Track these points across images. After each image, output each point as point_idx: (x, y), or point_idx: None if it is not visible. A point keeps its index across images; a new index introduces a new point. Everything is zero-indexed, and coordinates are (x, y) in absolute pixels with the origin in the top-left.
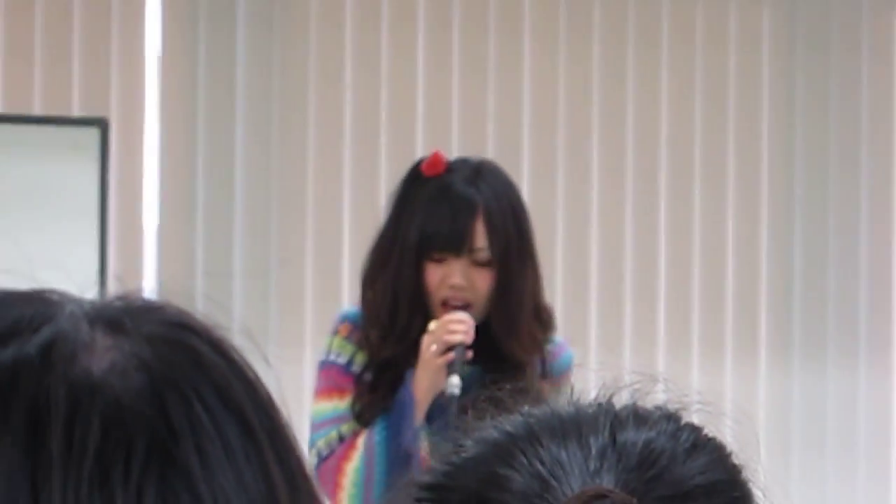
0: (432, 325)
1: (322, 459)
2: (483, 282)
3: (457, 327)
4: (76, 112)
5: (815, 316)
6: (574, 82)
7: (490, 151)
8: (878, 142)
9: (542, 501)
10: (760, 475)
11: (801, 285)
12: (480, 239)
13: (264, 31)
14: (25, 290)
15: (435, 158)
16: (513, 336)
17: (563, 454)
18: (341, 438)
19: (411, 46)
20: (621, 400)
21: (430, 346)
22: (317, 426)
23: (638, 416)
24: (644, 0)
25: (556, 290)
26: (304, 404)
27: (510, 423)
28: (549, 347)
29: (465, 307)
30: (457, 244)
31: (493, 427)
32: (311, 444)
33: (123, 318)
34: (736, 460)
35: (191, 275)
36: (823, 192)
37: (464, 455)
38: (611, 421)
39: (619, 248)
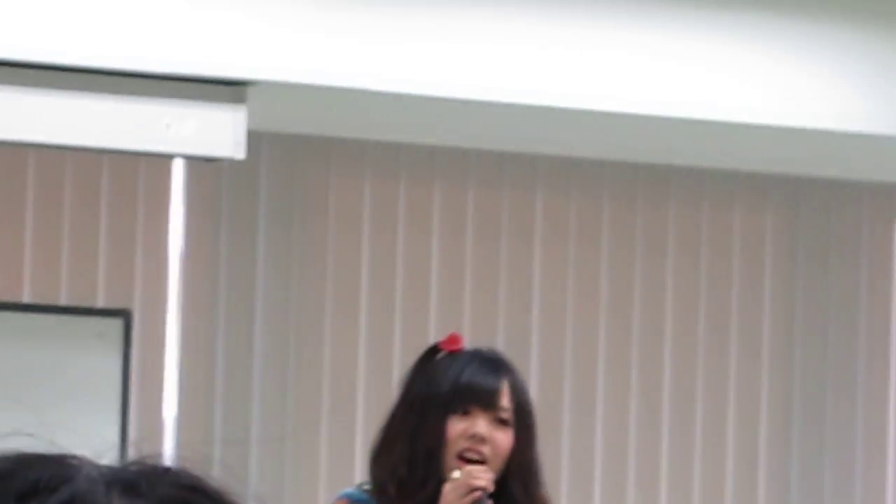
0: (456, 474)
1: None
2: (503, 440)
3: (481, 475)
4: (101, 303)
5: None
6: (583, 281)
7: (499, 341)
8: (876, 349)
9: None
10: None
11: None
12: (506, 399)
13: (284, 228)
14: (46, 453)
15: (453, 336)
16: (529, 499)
17: None
18: None
19: (426, 248)
20: None
21: (452, 490)
22: None
23: None
24: (651, 206)
25: (561, 493)
26: None
27: None
28: None
29: (481, 462)
30: (489, 397)
31: None
32: None
33: (139, 480)
34: None
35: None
36: (822, 393)
37: None
38: None
39: (622, 444)
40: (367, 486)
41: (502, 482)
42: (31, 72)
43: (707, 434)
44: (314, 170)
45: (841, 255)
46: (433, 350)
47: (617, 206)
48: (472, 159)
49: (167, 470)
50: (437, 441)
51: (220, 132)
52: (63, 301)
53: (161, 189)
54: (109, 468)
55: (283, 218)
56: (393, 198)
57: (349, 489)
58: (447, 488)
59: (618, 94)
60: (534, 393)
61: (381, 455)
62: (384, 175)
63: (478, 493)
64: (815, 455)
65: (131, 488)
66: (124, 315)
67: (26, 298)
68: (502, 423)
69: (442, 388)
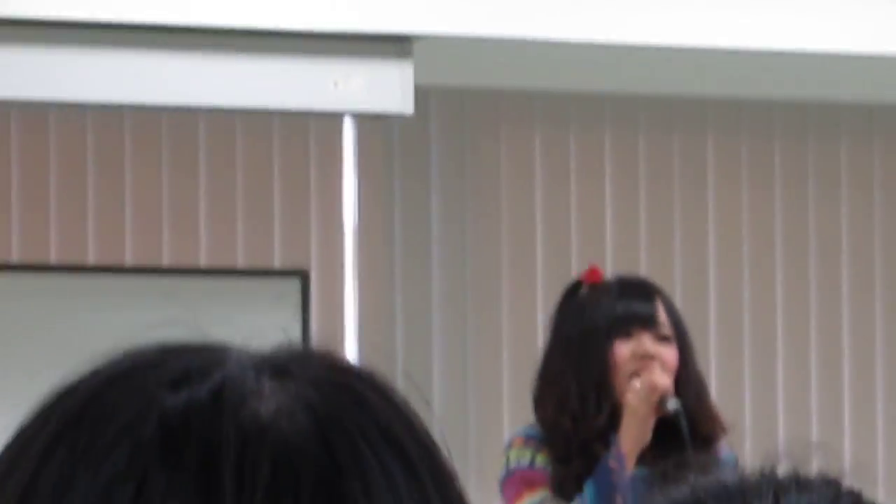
0: (635, 384)
1: None
2: (669, 355)
3: (659, 375)
4: (277, 265)
5: None
6: (757, 228)
7: (677, 292)
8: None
9: None
10: None
11: None
12: (662, 314)
13: (456, 182)
14: (194, 342)
15: (593, 269)
16: (702, 410)
17: None
18: None
19: (599, 195)
20: (784, 468)
21: (635, 396)
22: None
23: (800, 482)
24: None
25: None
26: None
27: (677, 491)
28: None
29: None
30: (648, 317)
31: (661, 496)
32: None
33: (289, 363)
34: None
35: None
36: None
37: None
38: (774, 487)
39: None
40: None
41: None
42: (199, 35)
43: (889, 387)
44: (484, 122)
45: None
46: (575, 286)
47: (789, 148)
48: (641, 104)
49: (317, 352)
50: (605, 367)
51: (387, 88)
52: (240, 264)
53: (332, 148)
54: (259, 353)
55: (455, 172)
56: (564, 147)
57: (522, 427)
58: (630, 398)
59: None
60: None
61: (546, 395)
62: (555, 125)
63: (663, 387)
64: None
65: (282, 371)
66: (301, 276)
67: (203, 262)
68: (664, 339)
69: (600, 318)
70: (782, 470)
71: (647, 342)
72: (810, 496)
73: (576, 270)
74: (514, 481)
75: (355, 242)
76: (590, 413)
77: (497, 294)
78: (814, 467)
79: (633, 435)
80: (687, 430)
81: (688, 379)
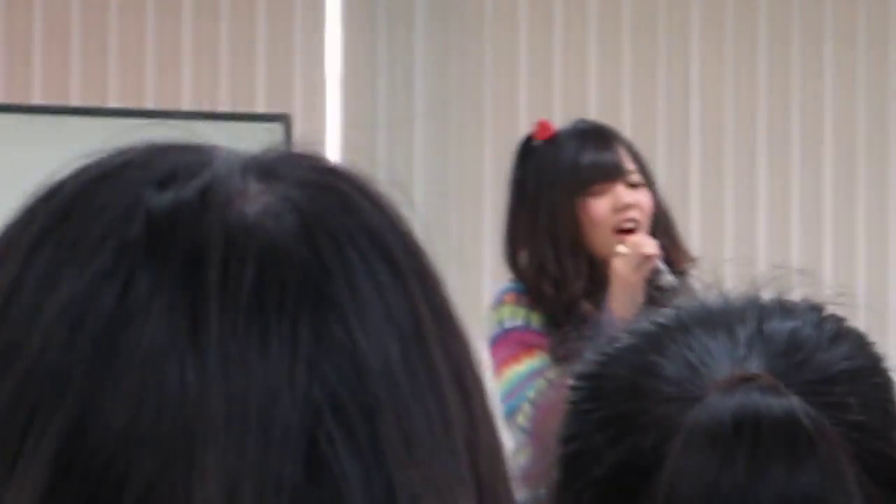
0: (622, 249)
1: (538, 406)
2: (644, 200)
3: (648, 241)
4: (261, 108)
5: None
6: (741, 74)
7: (660, 141)
8: None
9: (693, 387)
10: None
11: None
12: (628, 162)
13: (441, 27)
14: (181, 142)
15: (543, 123)
16: (678, 248)
17: (713, 343)
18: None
19: (582, 39)
20: (768, 294)
21: (625, 264)
22: (515, 389)
23: (784, 307)
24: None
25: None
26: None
27: (662, 315)
28: None
29: (636, 229)
30: (616, 168)
31: (646, 319)
32: (516, 407)
33: (276, 165)
34: (876, 349)
35: None
36: None
37: (617, 346)
38: (758, 312)
39: (785, 237)
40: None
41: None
42: None
43: (870, 223)
44: None
45: None
46: (528, 142)
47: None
48: None
49: (305, 154)
50: (578, 226)
51: None
52: (223, 107)
53: None
54: (247, 155)
55: (441, 16)
56: None
57: (513, 283)
58: (617, 264)
59: None
60: (693, 186)
61: (522, 258)
62: None
63: (653, 261)
64: None
65: (269, 172)
66: (284, 119)
67: (186, 105)
68: (635, 186)
69: (564, 175)
70: (766, 295)
71: (622, 193)
72: (794, 321)
73: (558, 112)
74: (509, 342)
75: (340, 87)
76: (569, 276)
77: (480, 139)
78: (797, 294)
79: (623, 301)
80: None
81: (659, 220)
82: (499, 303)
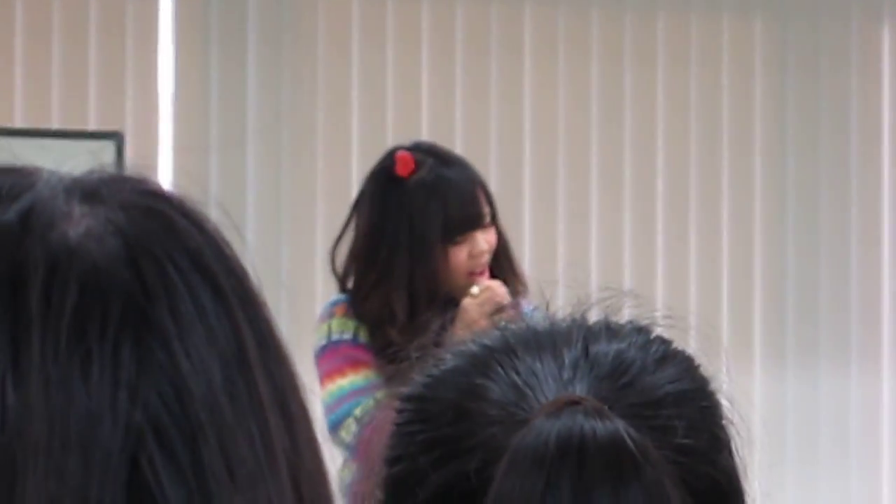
0: (475, 290)
1: (365, 425)
2: (492, 239)
3: (501, 290)
4: (92, 126)
5: (808, 322)
6: (574, 92)
7: (492, 161)
8: (867, 153)
9: (518, 410)
10: (725, 386)
11: (794, 293)
12: (484, 206)
13: (274, 46)
14: (5, 165)
15: (403, 158)
16: (515, 277)
17: (538, 365)
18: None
19: (416, 63)
20: (593, 315)
21: (476, 307)
22: (336, 403)
23: (610, 329)
24: (640, 17)
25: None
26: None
27: (488, 337)
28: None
29: (485, 271)
30: (480, 219)
31: (472, 341)
32: (338, 422)
33: (100, 187)
34: (704, 372)
35: None
36: (815, 201)
37: (443, 367)
38: (584, 334)
39: (618, 251)
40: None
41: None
42: None
43: (702, 247)
44: None
45: (830, 60)
46: (389, 178)
47: (606, 18)
48: None
49: (129, 177)
50: (437, 277)
51: None
52: (55, 125)
53: (149, 8)
54: (70, 176)
55: (273, 33)
56: (382, 10)
57: (336, 296)
58: (468, 304)
59: None
60: (527, 204)
61: (367, 287)
62: None
63: (504, 311)
64: (810, 265)
65: (92, 195)
66: (116, 137)
67: (18, 123)
68: (486, 227)
69: (433, 227)
70: (593, 317)
71: (479, 240)
72: (620, 343)
73: (391, 135)
74: (335, 355)
75: (171, 105)
76: (419, 321)
77: (312, 156)
78: (625, 315)
79: (461, 333)
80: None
81: (504, 255)
82: (328, 315)
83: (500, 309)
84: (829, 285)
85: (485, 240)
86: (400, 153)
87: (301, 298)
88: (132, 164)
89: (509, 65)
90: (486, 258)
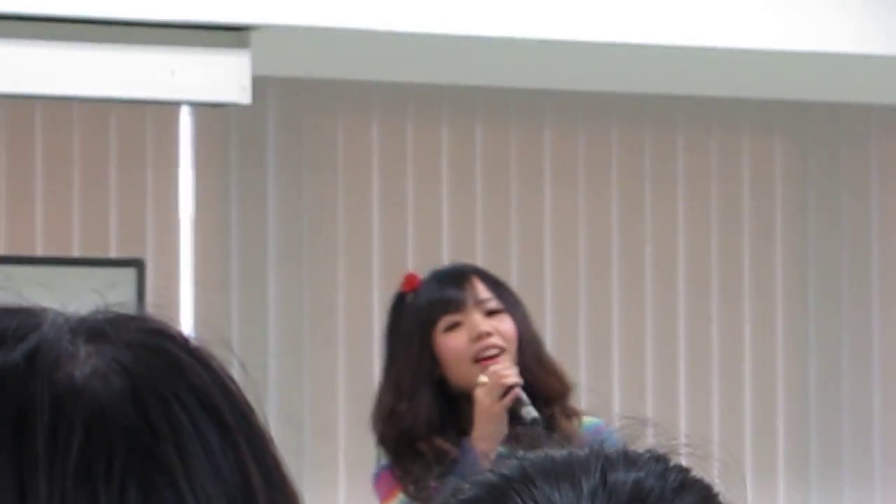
0: (483, 378)
1: None
2: (506, 326)
3: (508, 371)
4: (113, 253)
5: (832, 437)
6: (594, 216)
7: (513, 280)
8: (889, 263)
9: None
10: None
11: (817, 408)
12: (483, 291)
13: (293, 172)
14: (12, 305)
15: (408, 276)
16: (546, 370)
17: (556, 494)
18: None
19: (436, 187)
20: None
21: (486, 395)
22: None
23: (628, 457)
24: (660, 134)
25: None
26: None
27: (505, 466)
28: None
29: (499, 355)
30: (466, 298)
31: (490, 471)
32: None
33: (105, 326)
34: (723, 500)
35: None
36: (837, 324)
37: (461, 497)
38: (602, 463)
39: (639, 377)
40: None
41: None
42: (35, 24)
43: (724, 369)
44: (321, 113)
45: (851, 178)
46: (399, 298)
47: (625, 138)
48: (478, 96)
49: (134, 316)
50: (428, 363)
51: (225, 78)
52: (76, 253)
53: (169, 137)
54: (76, 316)
55: (292, 162)
56: (401, 138)
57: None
58: (479, 394)
59: (621, 23)
60: (549, 331)
61: (387, 423)
62: (392, 116)
63: (514, 391)
64: (833, 385)
65: (97, 334)
66: (137, 265)
67: (39, 251)
68: (494, 313)
69: (415, 317)
70: (612, 448)
71: (477, 322)
72: (638, 472)
73: (411, 263)
74: (385, 478)
75: (192, 232)
76: (405, 412)
77: (333, 283)
78: (646, 444)
79: (486, 433)
80: (544, 434)
81: (526, 342)
82: (378, 440)
83: (509, 391)
84: (853, 403)
85: (490, 324)
86: (407, 273)
87: (321, 438)
88: (153, 291)
89: (529, 186)
90: (493, 341)
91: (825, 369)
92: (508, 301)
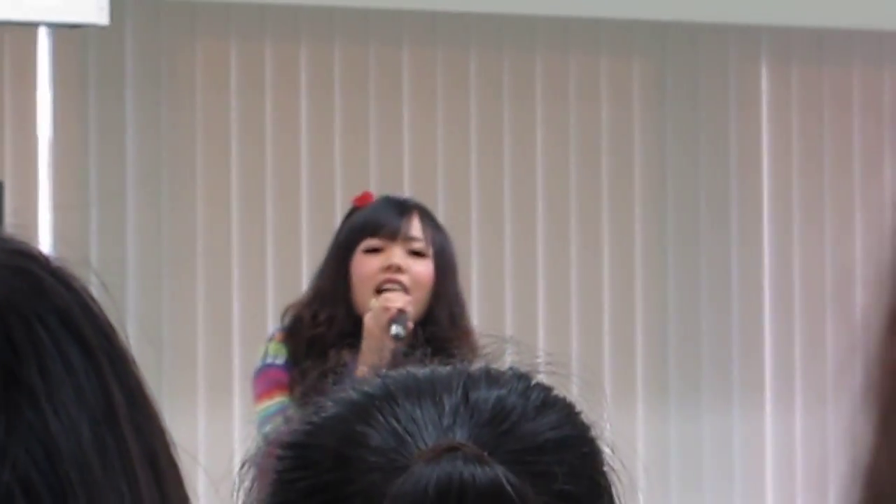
0: (373, 303)
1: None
2: (423, 270)
3: (396, 297)
4: None
5: (690, 359)
6: (453, 139)
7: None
8: (747, 186)
9: (398, 456)
10: (607, 432)
11: (676, 331)
12: (416, 230)
13: (152, 92)
14: None
15: (366, 193)
16: (455, 330)
17: (418, 412)
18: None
19: (295, 107)
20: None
21: (372, 319)
22: (262, 423)
23: (490, 375)
24: (518, 55)
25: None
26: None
27: (368, 384)
28: None
29: (399, 291)
30: (397, 228)
31: (352, 388)
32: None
33: None
34: (585, 418)
35: None
36: (695, 238)
37: (324, 415)
38: (464, 380)
39: (498, 295)
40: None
41: (428, 312)
42: None
43: (582, 288)
44: (180, 34)
45: (709, 97)
46: (350, 211)
47: (485, 58)
48: (337, 16)
49: None
50: (344, 278)
51: None
52: None
53: (27, 59)
54: None
55: (151, 83)
56: (259, 59)
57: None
58: (367, 319)
59: None
60: None
61: (303, 323)
62: (250, 37)
63: (392, 312)
64: (692, 307)
65: None
66: None
67: None
68: (418, 254)
69: (349, 228)
70: (475, 364)
71: (397, 254)
72: (500, 390)
73: (270, 186)
74: (265, 378)
75: (50, 153)
76: (321, 321)
77: (192, 205)
78: (507, 362)
79: (372, 355)
80: (405, 350)
81: (443, 297)
82: (269, 339)
83: (395, 318)
84: (711, 324)
85: (405, 260)
86: (366, 191)
87: (181, 354)
88: (12, 212)
89: (388, 104)
90: (397, 276)
91: (683, 292)
92: (440, 253)
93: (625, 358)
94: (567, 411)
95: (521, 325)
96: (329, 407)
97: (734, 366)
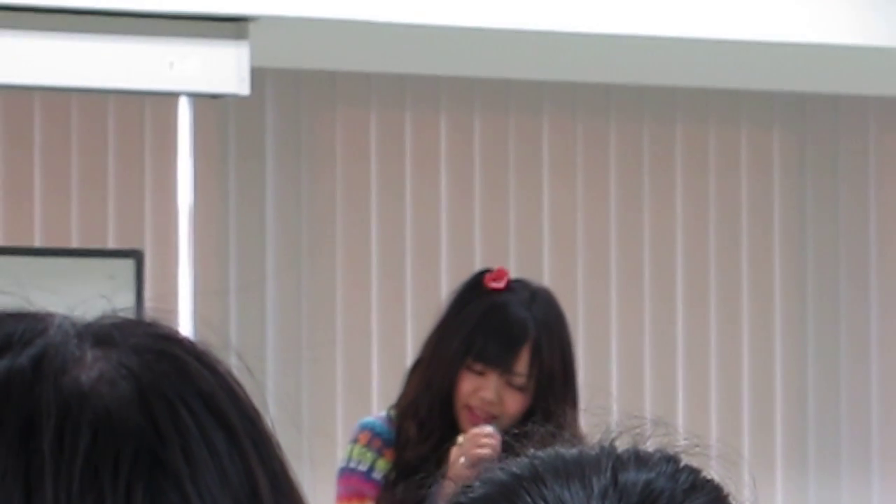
0: (461, 439)
1: None
2: (513, 404)
3: (485, 441)
4: (111, 244)
5: (829, 430)
6: (592, 209)
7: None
8: (888, 257)
9: None
10: None
11: (815, 402)
12: (523, 365)
13: (292, 164)
14: (19, 310)
15: (500, 273)
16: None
17: (567, 494)
18: None
19: (434, 178)
20: (623, 444)
21: (458, 458)
22: None
23: (639, 457)
24: (658, 127)
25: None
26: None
27: (516, 464)
28: None
29: (489, 420)
30: (501, 363)
31: (500, 469)
32: None
33: (111, 331)
34: (733, 501)
35: None
36: (835, 309)
37: (471, 495)
38: (613, 462)
39: (638, 370)
40: (393, 412)
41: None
42: (34, 15)
43: (722, 364)
44: (320, 104)
45: (850, 171)
46: (476, 284)
47: (624, 129)
48: (477, 87)
49: (141, 321)
50: (448, 392)
51: (223, 69)
52: (74, 244)
53: (168, 128)
54: (83, 321)
55: (291, 153)
56: (400, 129)
57: (372, 418)
58: (454, 454)
59: (619, 14)
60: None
61: (410, 381)
62: (390, 107)
63: (475, 457)
64: (831, 390)
65: (104, 339)
66: (136, 256)
67: (38, 243)
68: (514, 387)
69: (455, 343)
70: (621, 445)
71: (492, 385)
72: (649, 473)
73: (410, 255)
74: (347, 482)
75: (190, 223)
76: (432, 427)
77: (331, 275)
78: (651, 444)
79: (449, 485)
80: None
81: (541, 413)
82: (353, 440)
83: (480, 462)
84: (849, 409)
85: (497, 391)
86: (502, 267)
87: (320, 440)
88: (152, 282)
89: (528, 175)
90: (486, 408)
91: (823, 362)
92: (543, 385)
93: (764, 433)
94: (715, 494)
95: (660, 399)
96: (476, 488)
97: (873, 437)
